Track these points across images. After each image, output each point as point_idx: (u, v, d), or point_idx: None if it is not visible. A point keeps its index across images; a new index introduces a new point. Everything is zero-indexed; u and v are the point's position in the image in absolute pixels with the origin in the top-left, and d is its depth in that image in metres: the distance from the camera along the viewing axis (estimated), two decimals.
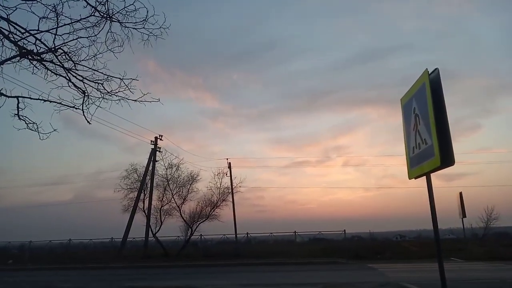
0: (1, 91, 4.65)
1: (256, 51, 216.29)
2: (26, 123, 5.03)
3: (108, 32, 4.77)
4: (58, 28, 4.53)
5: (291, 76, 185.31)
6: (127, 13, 4.61)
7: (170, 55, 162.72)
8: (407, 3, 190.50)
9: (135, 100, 5.17)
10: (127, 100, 5.16)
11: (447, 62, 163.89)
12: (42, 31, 4.52)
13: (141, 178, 26.75)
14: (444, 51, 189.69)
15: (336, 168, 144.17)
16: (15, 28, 4.55)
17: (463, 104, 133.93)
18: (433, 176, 4.71)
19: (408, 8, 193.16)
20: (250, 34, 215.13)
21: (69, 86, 4.97)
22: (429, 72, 4.44)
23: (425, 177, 4.80)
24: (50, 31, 4.50)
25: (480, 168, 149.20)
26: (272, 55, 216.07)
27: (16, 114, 4.94)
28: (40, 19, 4.58)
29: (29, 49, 4.59)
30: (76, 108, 5.10)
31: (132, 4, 4.54)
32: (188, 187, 26.97)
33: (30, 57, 4.61)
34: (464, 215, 18.79)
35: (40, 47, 4.71)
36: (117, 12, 4.61)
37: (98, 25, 4.70)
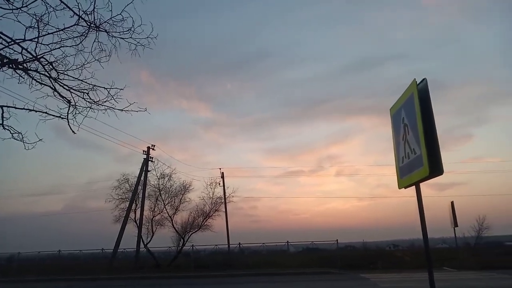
0: None
1: (250, 60, 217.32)
2: (11, 132, 4.95)
3: (94, 41, 4.74)
4: (44, 37, 4.49)
5: (285, 85, 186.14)
6: (114, 23, 4.58)
7: (163, 65, 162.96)
8: (401, 13, 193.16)
9: (122, 110, 5.13)
10: (114, 109, 5.13)
11: (440, 71, 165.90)
12: (27, 40, 4.47)
13: (133, 188, 26.53)
14: (437, 60, 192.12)
15: (329, 177, 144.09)
16: (0, 37, 4.50)
17: (455, 113, 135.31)
18: (424, 185, 4.71)
19: (401, 18, 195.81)
20: (244, 43, 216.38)
21: (55, 96, 4.92)
22: (417, 82, 4.46)
23: (414, 186, 4.80)
24: (35, 39, 4.45)
25: (471, 178, 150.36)
26: (266, 64, 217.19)
27: (0, 124, 4.86)
28: (26, 28, 4.55)
29: (13, 58, 4.54)
30: (62, 118, 5.04)
31: (120, 14, 4.52)
32: (181, 197, 26.87)
33: (13, 66, 4.54)
34: (456, 225, 18.84)
35: (26, 56, 4.66)
36: (104, 22, 4.58)
37: (84, 35, 4.67)
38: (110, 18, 4.57)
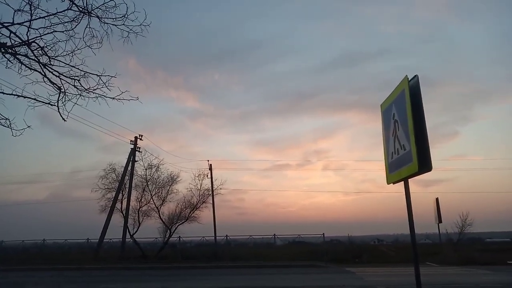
0: None
1: (239, 52, 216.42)
2: None
3: (86, 27, 4.65)
4: (33, 21, 4.39)
5: (273, 78, 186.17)
6: (107, 9, 4.50)
7: (151, 54, 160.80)
8: (388, 8, 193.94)
9: (113, 98, 5.05)
10: (105, 97, 5.05)
11: (426, 68, 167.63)
12: (16, 24, 4.36)
13: (120, 178, 26.32)
14: (424, 56, 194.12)
15: (316, 171, 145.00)
16: None
17: (441, 110, 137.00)
18: (410, 181, 4.77)
19: (389, 13, 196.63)
20: (233, 34, 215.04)
21: (45, 82, 4.82)
22: (409, 79, 4.50)
23: (403, 182, 4.85)
24: (25, 24, 4.35)
25: (456, 175, 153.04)
26: (254, 56, 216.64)
27: None
28: (15, 11, 4.44)
29: (2, 42, 4.42)
30: (51, 105, 4.95)
31: (112, 0, 4.44)
32: (168, 188, 26.74)
33: (2, 50, 4.44)
34: (440, 221, 19.15)
35: (15, 41, 4.55)
36: (97, 8, 4.50)
37: (76, 20, 4.57)
38: (103, 4, 4.49)
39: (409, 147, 4.39)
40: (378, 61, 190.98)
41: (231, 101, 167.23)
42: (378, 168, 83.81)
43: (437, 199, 19.34)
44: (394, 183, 5.19)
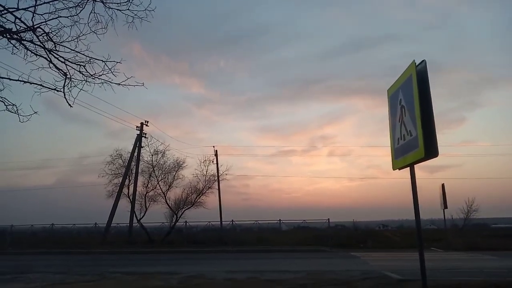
0: None
1: (244, 38, 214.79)
2: (5, 104, 4.88)
3: (91, 12, 4.62)
4: (38, 7, 4.37)
5: (279, 64, 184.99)
6: None
7: (156, 40, 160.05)
8: None
9: (119, 84, 5.05)
10: (111, 83, 5.05)
11: (434, 54, 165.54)
12: (21, 9, 4.35)
13: (126, 164, 26.49)
14: (432, 43, 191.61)
15: (322, 157, 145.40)
16: None
17: (448, 96, 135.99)
18: (416, 167, 4.75)
19: None
20: (238, 20, 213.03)
21: (50, 68, 4.82)
22: (416, 64, 4.44)
23: (408, 168, 4.83)
24: (29, 9, 4.33)
25: (462, 161, 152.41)
26: (260, 43, 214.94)
27: None
28: None
29: (7, 27, 4.41)
30: (57, 91, 4.97)
31: None
32: (174, 173, 26.91)
33: (8, 36, 4.43)
34: (445, 206, 19.17)
35: (20, 26, 4.54)
36: None
37: (81, 5, 4.55)
38: None
39: (415, 133, 4.36)
40: (385, 47, 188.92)
41: (237, 87, 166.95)
42: (383, 154, 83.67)
43: (443, 184, 19.33)
44: (400, 169, 5.16)
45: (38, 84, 4.90)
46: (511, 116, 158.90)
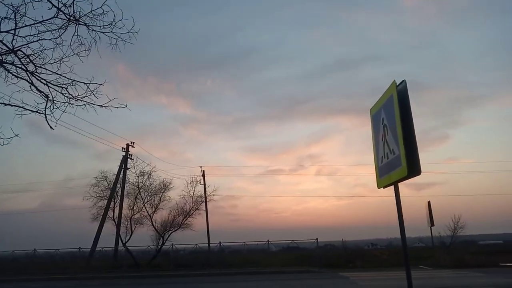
0: None
1: (231, 58, 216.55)
2: None
3: (74, 35, 4.62)
4: (20, 29, 4.35)
5: (265, 84, 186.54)
6: (94, 16, 4.48)
7: (141, 60, 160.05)
8: (381, 15, 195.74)
9: (101, 106, 5.02)
10: (93, 105, 5.01)
11: (417, 73, 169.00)
12: (3, 32, 4.33)
13: (111, 186, 26.11)
14: (415, 63, 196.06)
15: (309, 176, 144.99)
16: None
17: (432, 114, 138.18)
18: (402, 185, 4.78)
19: (381, 20, 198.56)
20: (225, 41, 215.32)
21: (32, 90, 4.77)
22: (397, 84, 4.52)
23: (393, 186, 4.87)
24: (11, 31, 4.32)
25: (448, 178, 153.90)
26: (247, 63, 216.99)
27: None
28: (1, 19, 4.40)
29: None
30: (39, 113, 4.89)
31: (100, 7, 4.42)
32: (160, 195, 26.52)
33: None
34: (432, 224, 19.25)
35: (2, 48, 4.51)
36: (84, 15, 4.47)
37: (63, 28, 4.54)
38: (90, 11, 4.47)
39: (398, 151, 4.41)
40: (370, 67, 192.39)
41: (224, 107, 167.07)
42: (370, 172, 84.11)
43: (429, 202, 19.46)
44: (384, 187, 5.20)
45: (19, 107, 4.83)
46: (493, 134, 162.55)
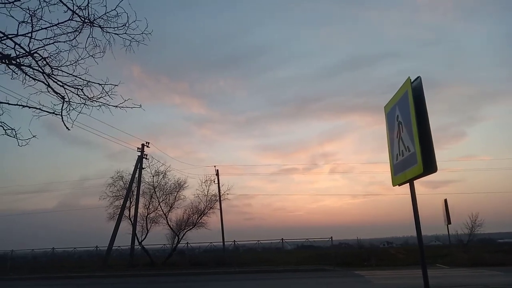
0: None
1: (243, 58, 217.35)
2: (4, 129, 4.90)
3: (88, 37, 4.70)
4: (37, 32, 4.44)
5: (278, 83, 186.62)
6: (109, 18, 4.55)
7: (155, 61, 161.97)
8: (393, 12, 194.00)
9: (116, 106, 5.09)
10: (108, 106, 5.09)
11: (432, 70, 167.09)
12: (20, 35, 4.42)
13: (127, 185, 26.42)
14: (429, 59, 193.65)
15: (323, 175, 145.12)
16: None
17: (448, 112, 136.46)
18: (418, 183, 4.72)
19: (394, 17, 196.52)
20: (237, 41, 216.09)
21: (48, 92, 4.87)
22: (412, 80, 4.47)
23: (408, 184, 4.81)
24: (28, 35, 4.41)
25: (465, 175, 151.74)
26: (259, 62, 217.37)
27: None
28: (19, 23, 4.50)
29: (6, 53, 4.48)
30: (55, 114, 4.99)
31: (114, 9, 4.48)
32: (175, 194, 26.81)
33: (6, 61, 4.50)
34: (449, 222, 18.96)
35: (19, 52, 4.61)
36: (99, 18, 4.54)
37: (78, 30, 4.62)
38: (105, 14, 4.54)
39: (413, 148, 4.36)
40: (384, 64, 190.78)
41: (237, 106, 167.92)
42: (385, 170, 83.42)
43: (445, 200, 19.17)
44: (399, 185, 5.14)
45: (37, 108, 4.93)
46: (510, 130, 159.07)
